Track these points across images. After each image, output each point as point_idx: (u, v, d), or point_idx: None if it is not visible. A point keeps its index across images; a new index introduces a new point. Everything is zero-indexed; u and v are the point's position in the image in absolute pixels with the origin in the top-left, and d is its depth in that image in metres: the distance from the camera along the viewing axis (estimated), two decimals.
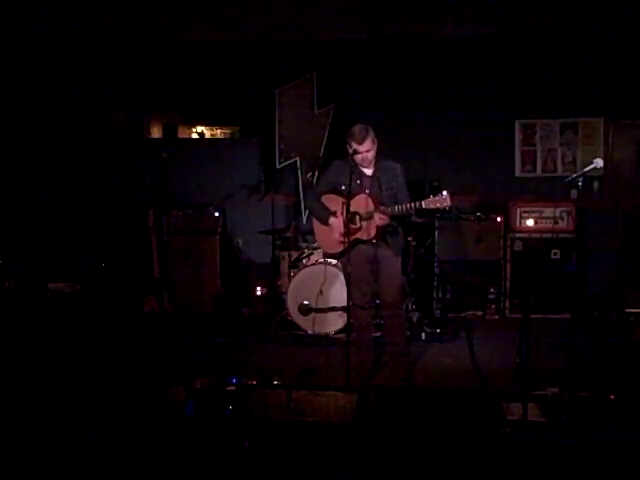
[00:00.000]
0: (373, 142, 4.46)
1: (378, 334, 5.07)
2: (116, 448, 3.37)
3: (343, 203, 4.30)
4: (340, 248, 4.58)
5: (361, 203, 4.46)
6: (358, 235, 4.50)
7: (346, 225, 4.32)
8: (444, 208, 4.22)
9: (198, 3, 6.10)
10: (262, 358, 5.28)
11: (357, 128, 4.45)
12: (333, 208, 4.61)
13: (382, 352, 4.93)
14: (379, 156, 4.57)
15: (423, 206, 4.19)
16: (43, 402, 3.72)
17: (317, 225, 4.80)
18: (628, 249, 6.46)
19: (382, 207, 4.39)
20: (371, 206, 4.43)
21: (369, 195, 4.46)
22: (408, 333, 5.23)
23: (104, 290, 6.50)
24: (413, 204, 4.27)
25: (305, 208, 6.87)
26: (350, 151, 4.44)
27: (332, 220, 4.61)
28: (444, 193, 4.19)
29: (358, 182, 4.48)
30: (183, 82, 7.41)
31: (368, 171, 4.56)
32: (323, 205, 4.67)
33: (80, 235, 6.97)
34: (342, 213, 4.40)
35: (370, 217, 4.42)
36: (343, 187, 4.45)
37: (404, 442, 3.36)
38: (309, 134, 7.33)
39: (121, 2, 6.06)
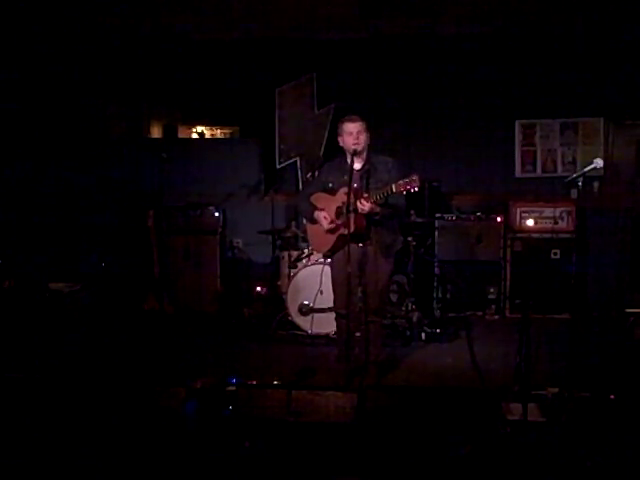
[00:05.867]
0: (366, 129, 4.38)
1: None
2: (116, 448, 3.37)
3: (327, 199, 4.34)
4: (329, 246, 4.51)
5: (344, 197, 4.24)
6: (343, 230, 4.32)
7: (337, 212, 4.32)
8: (414, 190, 4.07)
9: (198, 2, 6.10)
10: (262, 358, 5.26)
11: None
12: (321, 206, 4.54)
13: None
14: (371, 151, 4.50)
15: (394, 189, 4.07)
16: (43, 402, 3.73)
17: (309, 226, 4.76)
18: (628, 249, 6.46)
19: (364, 195, 4.25)
20: (353, 199, 4.23)
21: (353, 189, 4.23)
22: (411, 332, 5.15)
23: (104, 290, 6.50)
24: (387, 188, 4.13)
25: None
26: (340, 140, 4.42)
27: (317, 213, 4.52)
28: (414, 176, 4.06)
29: (345, 177, 4.30)
30: (183, 82, 7.40)
31: (357, 165, 4.44)
32: (311, 203, 4.59)
33: (80, 235, 6.97)
34: (326, 208, 4.44)
35: (354, 210, 4.23)
36: (330, 184, 4.45)
37: (404, 442, 3.36)
38: (309, 134, 7.34)
39: (121, 1, 6.06)
